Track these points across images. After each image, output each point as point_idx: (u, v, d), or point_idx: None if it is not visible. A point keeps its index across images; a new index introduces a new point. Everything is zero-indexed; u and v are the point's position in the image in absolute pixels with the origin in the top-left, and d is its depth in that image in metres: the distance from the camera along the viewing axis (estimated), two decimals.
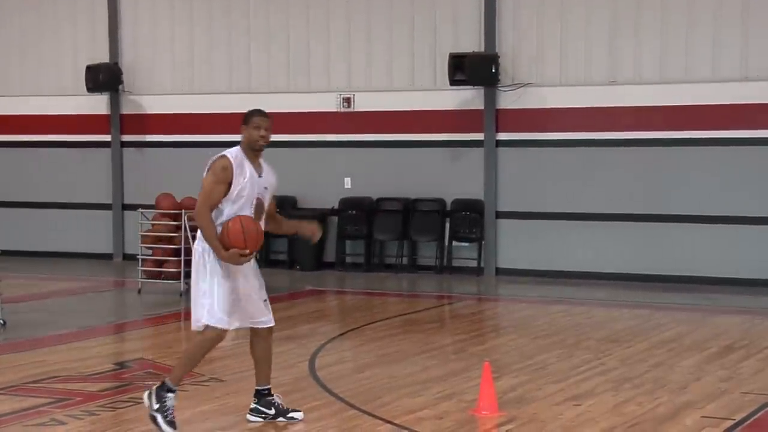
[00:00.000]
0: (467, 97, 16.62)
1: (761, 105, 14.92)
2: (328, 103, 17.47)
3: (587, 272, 15.83)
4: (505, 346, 11.09)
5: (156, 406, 7.20)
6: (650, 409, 8.15)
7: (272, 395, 7.75)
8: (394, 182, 17.09)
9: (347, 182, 17.50)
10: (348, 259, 17.48)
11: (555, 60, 16.12)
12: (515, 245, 16.47)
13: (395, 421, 7.77)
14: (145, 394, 7.34)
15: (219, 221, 7.35)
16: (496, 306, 14.76)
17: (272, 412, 7.70)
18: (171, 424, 7.19)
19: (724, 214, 15.12)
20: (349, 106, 17.42)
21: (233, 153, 7.56)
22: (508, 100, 16.35)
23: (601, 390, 8.80)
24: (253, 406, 7.73)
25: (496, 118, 16.47)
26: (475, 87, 16.35)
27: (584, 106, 15.87)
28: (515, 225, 16.46)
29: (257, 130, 7.60)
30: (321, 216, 17.39)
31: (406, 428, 7.60)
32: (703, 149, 15.25)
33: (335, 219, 17.47)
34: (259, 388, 7.73)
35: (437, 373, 9.48)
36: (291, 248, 17.60)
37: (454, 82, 16.13)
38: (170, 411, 7.22)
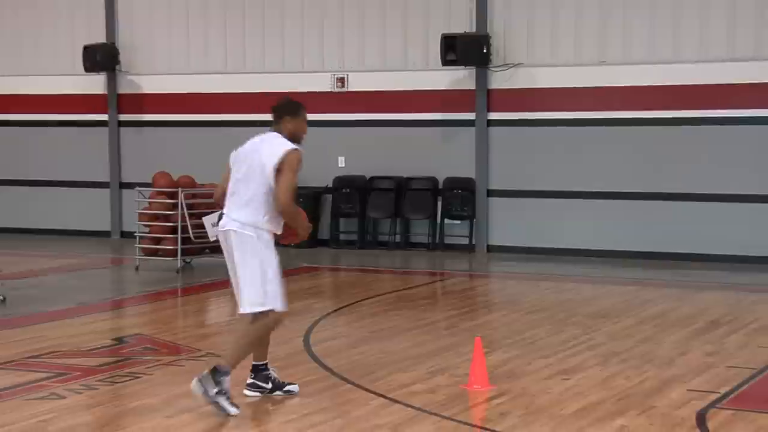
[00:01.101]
0: (459, 77, 16.62)
1: (749, 85, 14.94)
2: (322, 84, 17.45)
3: (577, 249, 15.89)
4: (496, 322, 11.15)
5: (215, 390, 7.15)
6: (638, 382, 8.19)
7: (268, 369, 7.78)
8: (387, 161, 17.11)
9: (341, 161, 17.52)
10: (342, 237, 17.53)
11: (545, 41, 16.12)
12: (506, 223, 16.51)
13: (388, 395, 7.80)
14: (194, 384, 7.18)
15: (274, 209, 7.45)
16: (487, 282, 14.81)
17: (269, 386, 7.72)
18: (234, 405, 7.20)
19: (713, 192, 15.18)
20: (342, 86, 17.43)
21: (295, 144, 7.54)
22: (500, 80, 16.36)
23: (590, 364, 8.84)
24: (250, 381, 7.74)
25: (487, 97, 16.48)
26: (467, 67, 16.36)
27: (574, 86, 15.89)
28: (506, 203, 16.49)
29: (305, 123, 7.78)
30: (315, 195, 17.47)
31: (398, 402, 7.63)
32: (691, 128, 15.29)
33: (329, 197, 17.51)
34: (256, 363, 7.75)
35: (429, 348, 9.52)
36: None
37: (446, 62, 16.13)
38: (229, 393, 7.22)
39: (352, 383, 8.19)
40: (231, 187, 7.62)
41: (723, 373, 8.49)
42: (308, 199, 17.42)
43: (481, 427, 7.18)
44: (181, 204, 14.20)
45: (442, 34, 16.14)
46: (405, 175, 17.00)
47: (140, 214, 14.94)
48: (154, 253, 14.71)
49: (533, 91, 16.24)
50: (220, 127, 17.95)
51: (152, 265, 14.70)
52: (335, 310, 11.83)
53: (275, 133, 7.67)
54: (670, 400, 7.68)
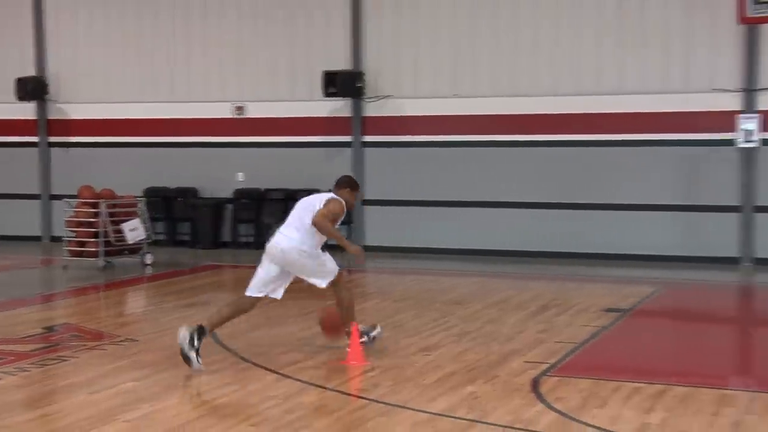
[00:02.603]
0: (338, 107, 16.65)
1: (580, 114, 15.32)
2: (223, 111, 17.32)
3: (436, 248, 16.05)
4: (370, 309, 11.17)
5: (363, 339, 8.27)
6: (484, 356, 8.33)
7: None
8: (279, 176, 17.02)
9: (240, 176, 17.38)
10: (241, 239, 17.37)
11: (410, 77, 16.27)
12: (379, 227, 16.59)
13: (280, 371, 7.79)
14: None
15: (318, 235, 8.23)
16: (364, 276, 14.83)
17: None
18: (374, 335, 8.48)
19: (532, 201, 15.52)
20: (241, 113, 17.30)
21: (343, 204, 8.35)
22: (372, 109, 16.45)
23: (446, 342, 8.95)
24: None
25: (362, 123, 16.55)
26: (345, 98, 16.39)
27: (433, 114, 16.06)
28: (379, 210, 16.58)
29: (355, 198, 8.63)
30: (218, 204, 17.30)
31: (289, 377, 7.62)
32: (520, 150, 15.57)
33: (230, 206, 17.35)
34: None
35: (315, 331, 9.47)
36: (193, 230, 17.44)
37: (327, 94, 16.14)
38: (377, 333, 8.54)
39: (250, 362, 8.14)
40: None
41: (552, 347, 8.68)
42: (211, 208, 17.26)
43: (358, 396, 7.21)
44: (103, 213, 14.03)
45: (324, 71, 16.15)
46: (294, 188, 16.92)
47: (67, 221, 14.62)
48: (80, 254, 14.39)
49: (400, 118, 16.37)
50: (137, 148, 17.72)
51: (78, 265, 14.35)
52: None
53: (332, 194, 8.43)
54: (511, 369, 7.82)
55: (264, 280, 8.29)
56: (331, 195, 8.39)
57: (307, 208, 8.32)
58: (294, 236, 8.25)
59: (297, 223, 8.33)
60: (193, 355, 7.72)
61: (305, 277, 8.40)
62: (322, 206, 8.21)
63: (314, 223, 8.14)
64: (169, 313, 10.77)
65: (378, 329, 8.62)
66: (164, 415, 6.61)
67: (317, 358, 8.27)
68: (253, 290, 8.32)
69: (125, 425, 6.37)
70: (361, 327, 8.39)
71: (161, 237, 17.09)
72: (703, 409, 6.68)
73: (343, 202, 8.31)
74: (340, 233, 8.49)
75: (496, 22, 15.68)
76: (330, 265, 8.38)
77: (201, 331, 7.83)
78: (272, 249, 8.31)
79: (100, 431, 6.24)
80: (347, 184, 8.54)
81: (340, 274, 8.39)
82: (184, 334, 7.76)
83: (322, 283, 8.37)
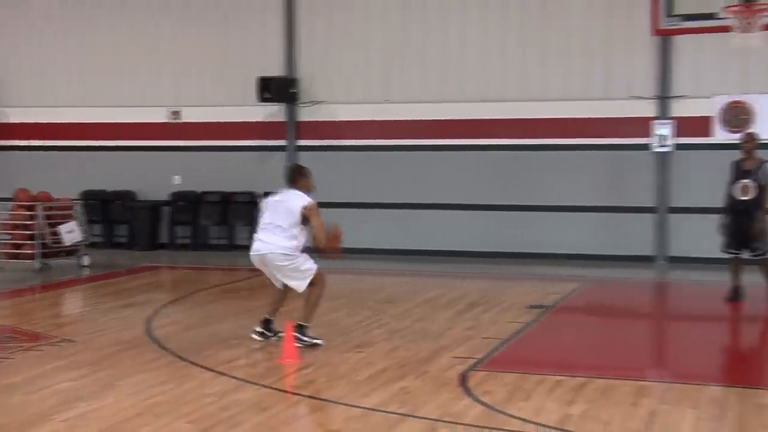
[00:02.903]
0: (273, 112, 16.55)
1: (491, 120, 15.48)
2: (159, 116, 17.10)
3: (369, 249, 16.01)
4: None
5: (307, 338, 8.44)
6: (415, 353, 8.35)
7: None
8: (215, 179, 16.86)
9: (177, 179, 17.17)
10: (178, 241, 17.15)
11: (342, 84, 16.25)
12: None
13: (217, 369, 7.70)
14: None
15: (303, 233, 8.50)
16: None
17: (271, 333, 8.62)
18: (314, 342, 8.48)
19: (460, 203, 15.58)
20: (177, 118, 17.10)
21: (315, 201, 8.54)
22: (306, 114, 16.39)
23: (378, 339, 8.95)
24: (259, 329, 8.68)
25: (296, 128, 16.48)
26: (279, 104, 16.31)
27: (364, 119, 16.07)
28: None
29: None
30: (155, 207, 17.07)
31: (225, 374, 7.54)
32: (448, 153, 15.66)
33: (167, 209, 17.12)
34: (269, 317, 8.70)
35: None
36: (131, 232, 17.19)
37: (262, 99, 16.00)
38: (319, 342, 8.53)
39: (187, 360, 8.04)
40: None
41: (479, 343, 8.74)
42: (149, 210, 17.02)
43: (293, 393, 7.17)
44: (40, 215, 13.72)
45: (259, 77, 16.03)
46: (230, 190, 16.80)
47: (3, 223, 14.28)
48: (16, 257, 14.05)
49: (333, 123, 16.34)
50: (74, 152, 17.38)
51: (14, 267, 13.99)
52: (173, 301, 11.58)
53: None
54: (440, 365, 7.86)
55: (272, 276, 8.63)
56: (301, 195, 8.47)
57: (286, 212, 8.39)
58: (273, 240, 8.37)
59: (275, 228, 8.40)
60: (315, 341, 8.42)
61: (285, 280, 8.51)
62: (302, 210, 8.33)
63: (317, 239, 8.38)
64: (106, 313, 10.58)
65: (321, 341, 8.58)
66: (101, 414, 6.48)
67: (253, 356, 8.21)
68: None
69: (62, 425, 6.23)
70: (309, 330, 8.51)
71: (98, 239, 16.81)
72: (622, 401, 6.79)
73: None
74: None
75: (425, 30, 15.76)
76: (309, 264, 8.49)
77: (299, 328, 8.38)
78: (254, 258, 8.56)
79: (37, 431, 6.09)
80: (302, 174, 8.68)
81: (320, 273, 8.51)
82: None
83: (301, 286, 8.49)
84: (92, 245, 15.35)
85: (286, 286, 8.68)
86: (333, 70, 16.31)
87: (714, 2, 10.35)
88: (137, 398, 6.85)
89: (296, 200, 8.44)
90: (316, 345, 8.48)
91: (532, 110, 15.22)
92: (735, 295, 10.91)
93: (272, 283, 8.77)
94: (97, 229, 16.92)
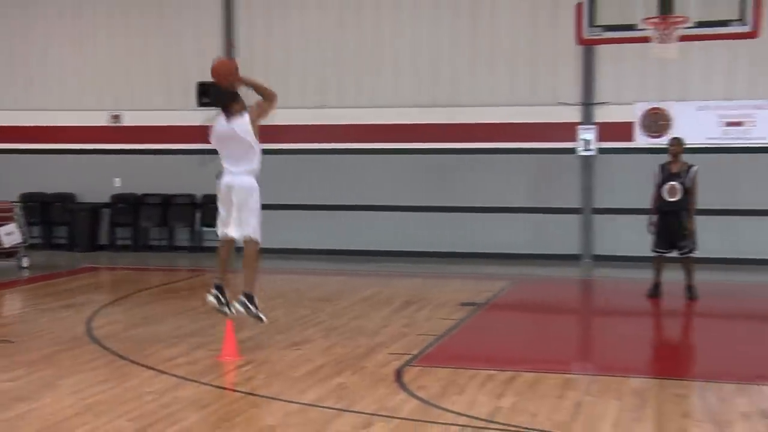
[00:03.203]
0: (212, 116, 16.27)
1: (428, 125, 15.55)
2: (99, 119, 16.81)
3: (306, 249, 16.00)
4: None
5: (254, 307, 8.15)
6: (352, 349, 8.33)
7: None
8: (156, 181, 16.64)
9: (117, 181, 16.90)
10: (119, 242, 16.87)
11: (279, 88, 15.90)
12: None
13: (157, 367, 7.59)
14: (239, 306, 8.13)
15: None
16: (235, 277, 14.57)
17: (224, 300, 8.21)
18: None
19: (395, 204, 15.60)
20: (118, 122, 16.83)
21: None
22: None
23: (316, 337, 8.91)
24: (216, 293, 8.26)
25: None
26: (218, 108, 16.10)
27: (301, 123, 16.00)
28: None
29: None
30: (95, 209, 16.78)
31: (165, 372, 7.43)
32: (383, 157, 15.70)
33: (108, 210, 16.85)
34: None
35: (190, 329, 9.33)
36: (71, 233, 16.89)
37: (201, 104, 15.88)
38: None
39: (127, 359, 7.90)
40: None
41: (414, 340, 8.75)
42: (89, 212, 16.72)
43: (232, 389, 7.10)
44: None
45: (198, 82, 15.87)
46: (170, 192, 16.59)
47: None
48: None
49: (271, 127, 15.97)
50: (13, 155, 16.99)
51: None
52: (113, 302, 11.37)
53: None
54: (377, 361, 7.85)
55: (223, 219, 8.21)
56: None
57: (242, 136, 8.16)
58: (243, 171, 8.13)
59: (241, 155, 8.14)
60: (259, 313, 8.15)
61: (244, 217, 8.10)
62: (251, 115, 8.23)
63: (273, 98, 8.37)
64: (45, 314, 10.34)
65: (264, 318, 8.36)
66: (41, 413, 6.33)
67: (192, 355, 8.10)
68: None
69: (2, 425, 6.07)
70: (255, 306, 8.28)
71: (38, 241, 16.46)
72: (549, 393, 6.87)
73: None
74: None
75: (360, 37, 15.77)
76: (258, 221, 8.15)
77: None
78: (224, 188, 8.16)
79: None
80: (235, 96, 8.44)
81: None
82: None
83: (247, 231, 8.12)
84: (32, 247, 15.01)
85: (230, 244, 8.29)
86: (270, 75, 16.13)
87: (634, 14, 10.54)
88: (77, 397, 6.71)
89: (245, 117, 8.22)
90: (259, 318, 8.26)
91: (463, 115, 15.33)
92: (655, 292, 11.14)
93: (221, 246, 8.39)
94: (36, 231, 16.56)
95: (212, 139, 8.36)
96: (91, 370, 7.51)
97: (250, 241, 8.27)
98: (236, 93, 8.31)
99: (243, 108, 8.26)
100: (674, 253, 11.03)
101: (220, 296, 8.29)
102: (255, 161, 8.21)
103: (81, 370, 7.44)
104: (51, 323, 9.66)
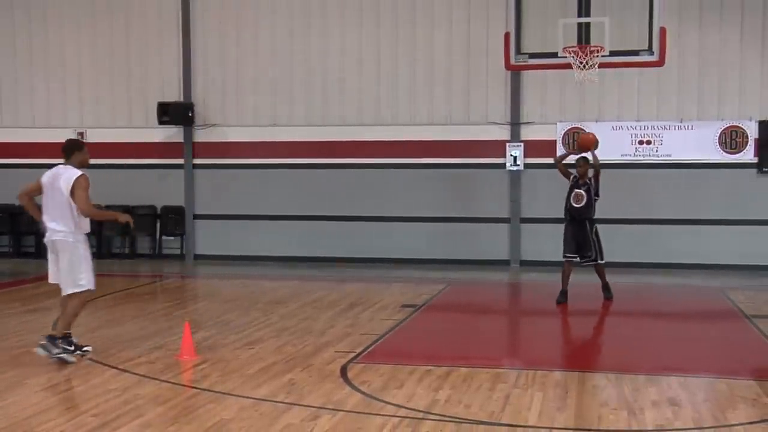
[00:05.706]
0: (171, 133, 16.21)
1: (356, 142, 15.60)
2: (66, 136, 16.39)
3: (258, 256, 15.90)
4: (200, 309, 10.95)
5: (58, 350, 7.45)
6: (301, 348, 8.31)
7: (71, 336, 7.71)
8: (119, 193, 16.35)
9: None
10: None
11: (233, 108, 16.06)
12: (208, 238, 16.26)
13: (119, 367, 7.48)
14: (40, 350, 7.46)
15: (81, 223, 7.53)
16: (195, 282, 14.50)
17: (72, 348, 7.60)
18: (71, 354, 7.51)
19: (342, 214, 15.54)
20: (82, 139, 16.52)
21: (86, 174, 7.50)
22: (201, 135, 16.11)
23: (268, 337, 8.87)
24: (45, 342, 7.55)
25: (192, 148, 16.18)
26: (177, 126, 15.99)
27: (254, 140, 15.92)
28: (207, 224, 16.24)
29: (87, 153, 7.79)
30: None
31: (127, 371, 7.33)
32: (330, 171, 15.65)
33: None
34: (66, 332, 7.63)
35: (151, 330, 9.21)
36: (38, 242, 16.48)
37: (161, 122, 15.72)
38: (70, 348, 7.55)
39: (91, 359, 7.76)
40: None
41: (358, 339, 8.76)
42: None
43: (190, 386, 7.02)
44: None
45: (158, 102, 15.70)
46: (132, 204, 16.33)
47: None
48: None
49: (226, 144, 16.11)
50: None
51: None
52: None
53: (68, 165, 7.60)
54: (323, 359, 7.85)
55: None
56: (72, 170, 7.44)
57: (57, 195, 7.36)
58: (60, 228, 7.41)
59: (57, 213, 7.38)
60: (64, 355, 7.51)
61: (62, 275, 7.43)
62: (71, 188, 7.28)
63: (84, 215, 7.30)
64: (13, 317, 10.11)
65: (89, 348, 7.77)
66: (8, 411, 6.18)
67: (152, 354, 7.99)
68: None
69: None
70: (75, 340, 7.72)
71: (6, 249, 16.07)
72: (482, 386, 6.93)
73: (84, 172, 7.45)
74: (103, 209, 7.90)
75: (308, 59, 15.74)
76: (88, 277, 7.55)
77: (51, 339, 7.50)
78: (48, 243, 7.57)
79: None
80: (74, 148, 7.70)
81: (90, 293, 7.63)
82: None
83: (68, 289, 7.45)
84: (1, 255, 14.64)
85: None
86: (226, 96, 16.12)
87: (556, 43, 10.74)
88: (43, 395, 6.57)
89: (67, 178, 7.39)
90: (85, 353, 7.62)
91: (402, 133, 15.41)
92: (563, 299, 11.16)
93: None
94: (5, 240, 16.17)
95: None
96: (56, 370, 7.36)
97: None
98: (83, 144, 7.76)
99: (75, 160, 7.58)
100: (578, 260, 11.10)
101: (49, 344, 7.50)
102: (72, 226, 7.41)
103: (47, 371, 7.29)
104: (17, 326, 9.45)
